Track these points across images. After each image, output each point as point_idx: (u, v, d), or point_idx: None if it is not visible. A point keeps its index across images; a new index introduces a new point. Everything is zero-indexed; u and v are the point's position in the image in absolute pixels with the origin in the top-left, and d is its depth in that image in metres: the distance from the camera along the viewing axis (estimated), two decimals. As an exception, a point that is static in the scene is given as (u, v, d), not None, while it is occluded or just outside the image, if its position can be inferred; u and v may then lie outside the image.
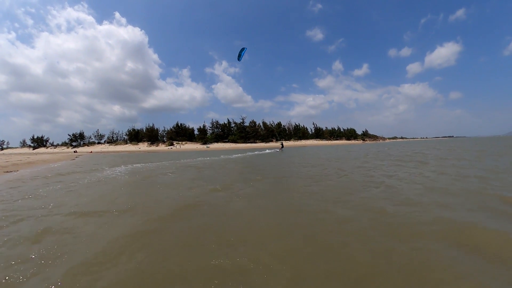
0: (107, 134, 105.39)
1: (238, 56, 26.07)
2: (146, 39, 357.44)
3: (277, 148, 44.07)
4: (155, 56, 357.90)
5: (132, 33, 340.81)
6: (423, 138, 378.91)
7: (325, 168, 11.03)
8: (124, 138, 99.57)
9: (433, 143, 51.45)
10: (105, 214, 4.47)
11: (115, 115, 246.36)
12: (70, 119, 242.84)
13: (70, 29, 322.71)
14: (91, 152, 65.63)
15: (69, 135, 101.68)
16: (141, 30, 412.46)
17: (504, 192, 5.07)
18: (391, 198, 5.09)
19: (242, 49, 26.24)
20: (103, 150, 76.09)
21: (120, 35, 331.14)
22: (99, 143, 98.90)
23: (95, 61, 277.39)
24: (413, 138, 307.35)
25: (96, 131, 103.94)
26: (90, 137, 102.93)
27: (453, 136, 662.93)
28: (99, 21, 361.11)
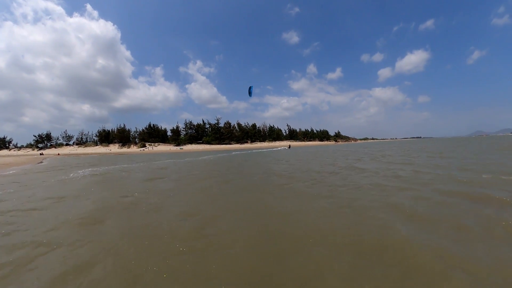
0: (76, 135, 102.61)
1: (249, 93, 30.09)
2: (119, 35, 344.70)
3: (285, 146, 68.51)
4: (127, 53, 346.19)
5: (104, 28, 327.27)
6: (393, 138, 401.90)
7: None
8: (94, 139, 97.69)
9: (396, 144, 56.76)
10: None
11: (84, 115, 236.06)
12: (36, 119, 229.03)
13: (37, 20, 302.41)
14: (58, 154, 64.37)
15: (35, 136, 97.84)
16: (113, 25, 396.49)
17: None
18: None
19: (250, 87, 30.33)
20: (71, 152, 74.48)
21: (92, 29, 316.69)
22: (67, 144, 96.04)
23: (63, 56, 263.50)
24: (383, 139, 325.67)
25: (64, 132, 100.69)
26: (57, 138, 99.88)
27: (420, 137, 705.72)
28: (69, 13, 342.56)
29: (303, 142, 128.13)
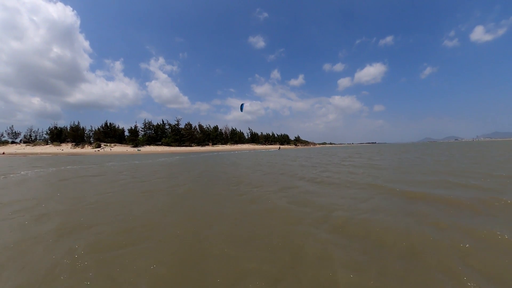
0: (23, 132, 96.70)
1: (241, 109, 35.49)
2: (78, 22, 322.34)
3: (276, 148, 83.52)
4: (86, 44, 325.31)
5: (62, 12, 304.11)
6: (350, 144, 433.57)
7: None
8: (45, 137, 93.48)
9: (350, 149, 64.26)
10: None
11: (34, 109, 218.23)
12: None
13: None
14: (3, 153, 62.07)
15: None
16: (73, 10, 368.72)
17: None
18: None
19: (242, 104, 35.86)
20: (18, 151, 71.44)
21: (48, 12, 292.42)
22: (13, 142, 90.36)
23: (13, 40, 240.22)
24: (341, 144, 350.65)
25: (10, 128, 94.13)
26: (2, 135, 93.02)
27: (375, 143, 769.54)
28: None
29: (264, 146, 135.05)
